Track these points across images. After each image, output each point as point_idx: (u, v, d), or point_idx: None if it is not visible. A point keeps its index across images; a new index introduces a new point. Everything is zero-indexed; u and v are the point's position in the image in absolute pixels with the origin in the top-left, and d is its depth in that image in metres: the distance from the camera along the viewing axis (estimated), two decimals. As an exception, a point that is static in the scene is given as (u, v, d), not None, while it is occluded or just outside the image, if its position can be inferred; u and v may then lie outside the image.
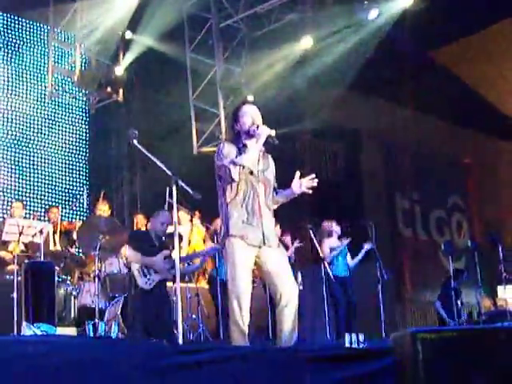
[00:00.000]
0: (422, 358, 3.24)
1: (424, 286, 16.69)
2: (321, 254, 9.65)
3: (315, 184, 5.50)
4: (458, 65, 18.21)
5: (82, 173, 13.58)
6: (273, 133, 5.32)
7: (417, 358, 3.26)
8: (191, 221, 11.19)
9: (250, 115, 5.44)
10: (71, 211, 12.69)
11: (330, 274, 9.49)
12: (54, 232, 10.44)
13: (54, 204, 12.32)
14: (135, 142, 5.64)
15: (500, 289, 13.29)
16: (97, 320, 7.30)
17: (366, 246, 10.15)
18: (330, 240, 10.31)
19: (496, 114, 20.32)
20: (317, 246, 9.47)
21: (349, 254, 10.42)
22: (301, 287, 10.15)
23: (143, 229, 10.33)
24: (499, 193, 19.64)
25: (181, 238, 10.00)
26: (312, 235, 9.37)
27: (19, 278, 8.03)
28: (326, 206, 13.45)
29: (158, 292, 7.91)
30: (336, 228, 10.44)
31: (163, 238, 8.23)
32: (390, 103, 16.18)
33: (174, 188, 5.52)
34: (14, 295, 7.81)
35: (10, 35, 13.11)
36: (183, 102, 13.65)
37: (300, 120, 14.25)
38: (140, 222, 11.04)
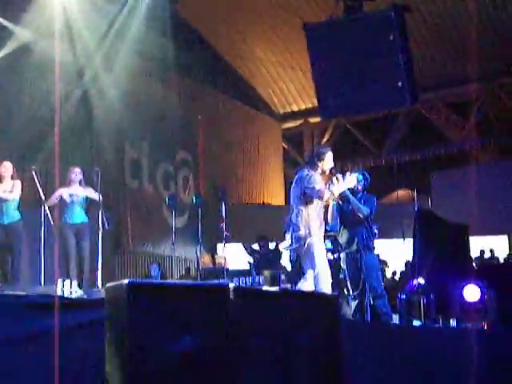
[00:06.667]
0: (133, 311, 3.06)
1: (144, 238, 16.65)
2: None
3: None
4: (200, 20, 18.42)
5: None
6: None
7: (128, 310, 3.05)
8: None
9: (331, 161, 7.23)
10: None
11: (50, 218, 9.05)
12: None
13: None
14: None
15: (220, 246, 13.53)
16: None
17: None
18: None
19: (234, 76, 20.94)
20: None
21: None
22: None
23: None
24: (225, 152, 20.17)
25: None
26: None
27: None
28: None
29: None
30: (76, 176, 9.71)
31: None
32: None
33: None
34: None
35: None
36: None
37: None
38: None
